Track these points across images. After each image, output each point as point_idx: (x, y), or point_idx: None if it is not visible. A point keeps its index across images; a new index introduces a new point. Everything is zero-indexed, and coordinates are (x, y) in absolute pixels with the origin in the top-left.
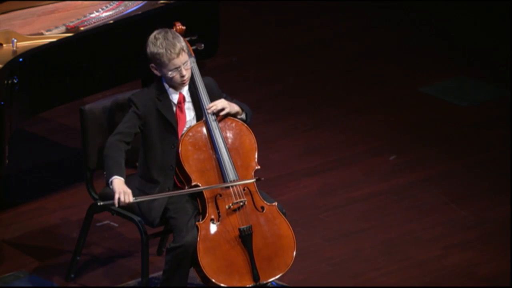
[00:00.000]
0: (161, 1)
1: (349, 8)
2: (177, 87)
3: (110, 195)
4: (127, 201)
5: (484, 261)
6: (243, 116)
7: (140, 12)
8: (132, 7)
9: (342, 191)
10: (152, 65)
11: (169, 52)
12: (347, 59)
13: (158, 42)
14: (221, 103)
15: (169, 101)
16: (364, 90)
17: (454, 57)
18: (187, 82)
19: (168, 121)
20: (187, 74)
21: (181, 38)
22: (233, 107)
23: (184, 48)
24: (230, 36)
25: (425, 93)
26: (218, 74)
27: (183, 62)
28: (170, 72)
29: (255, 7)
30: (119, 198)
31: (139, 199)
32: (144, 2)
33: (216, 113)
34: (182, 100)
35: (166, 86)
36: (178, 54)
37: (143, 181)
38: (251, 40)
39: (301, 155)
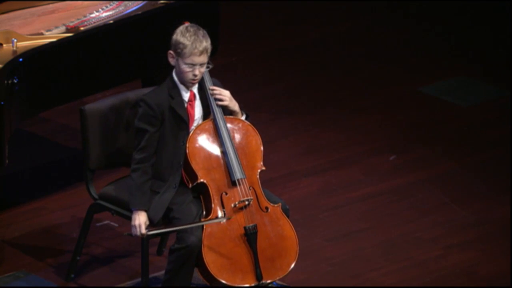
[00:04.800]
0: (161, 1)
1: (349, 8)
2: (186, 84)
3: (112, 195)
4: (138, 234)
5: (484, 261)
6: (243, 118)
7: (140, 12)
8: (132, 7)
9: (342, 191)
10: (171, 52)
11: (194, 46)
12: (347, 59)
13: (188, 34)
14: (226, 92)
15: (181, 98)
16: (364, 90)
17: (454, 57)
18: (196, 82)
19: (181, 118)
20: (199, 75)
21: (209, 40)
22: (234, 104)
23: (208, 50)
24: (230, 36)
25: (425, 93)
26: (218, 74)
27: (201, 62)
28: (185, 66)
29: (255, 7)
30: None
31: (152, 232)
32: (144, 2)
33: (217, 100)
34: (192, 97)
35: (178, 83)
36: (201, 53)
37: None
38: (251, 40)
39: (301, 155)
